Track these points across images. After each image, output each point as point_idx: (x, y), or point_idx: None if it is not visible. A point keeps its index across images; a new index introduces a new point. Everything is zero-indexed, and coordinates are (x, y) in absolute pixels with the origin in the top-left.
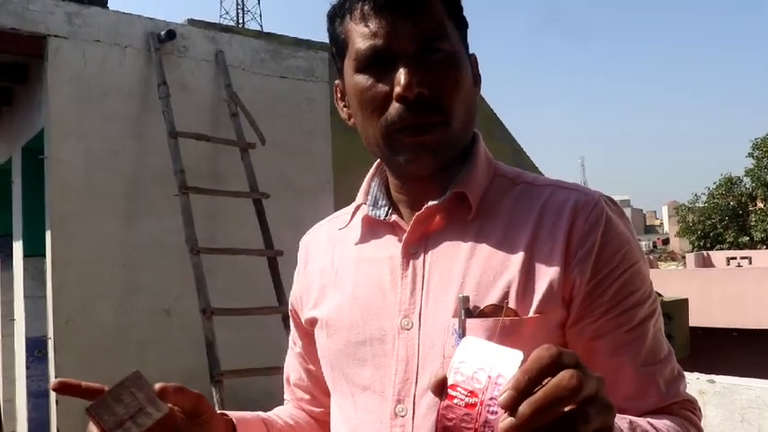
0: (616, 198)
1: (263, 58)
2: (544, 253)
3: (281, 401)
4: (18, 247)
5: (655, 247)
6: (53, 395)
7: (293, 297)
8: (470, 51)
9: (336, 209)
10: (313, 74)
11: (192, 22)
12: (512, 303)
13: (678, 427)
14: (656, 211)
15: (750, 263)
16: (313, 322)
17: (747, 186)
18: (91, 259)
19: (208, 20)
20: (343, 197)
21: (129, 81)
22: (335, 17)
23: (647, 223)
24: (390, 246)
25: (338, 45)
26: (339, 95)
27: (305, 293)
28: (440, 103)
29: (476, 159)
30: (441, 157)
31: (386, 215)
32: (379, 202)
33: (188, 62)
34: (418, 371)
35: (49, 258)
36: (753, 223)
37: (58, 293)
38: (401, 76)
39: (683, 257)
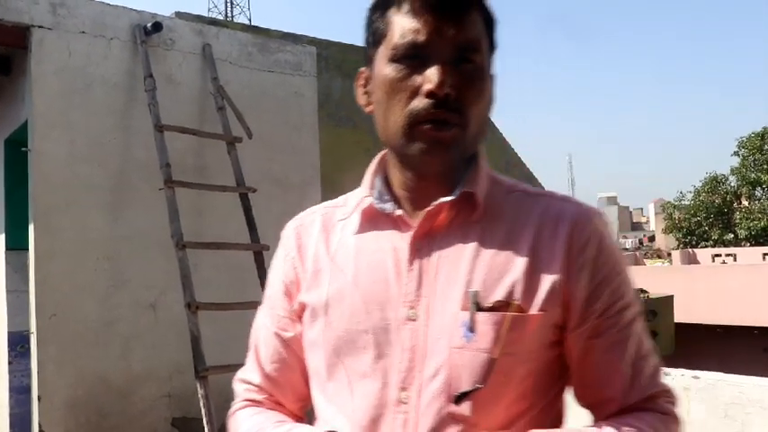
0: (603, 195)
1: (250, 51)
2: (545, 257)
3: None
4: (0, 241)
5: (641, 244)
6: (35, 391)
7: (286, 279)
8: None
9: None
10: (301, 68)
11: (179, 14)
12: (517, 301)
13: (660, 424)
14: (642, 209)
15: (735, 260)
16: (303, 307)
17: (733, 185)
18: (75, 253)
19: (196, 13)
20: (330, 192)
21: (115, 73)
22: (378, 8)
23: (634, 220)
24: (393, 238)
25: (375, 34)
26: (363, 82)
27: (301, 276)
28: (461, 107)
29: (479, 165)
30: (452, 155)
31: (392, 209)
32: (384, 197)
33: (175, 55)
34: (424, 360)
35: (32, 252)
36: (738, 221)
37: (42, 287)
38: (435, 74)
39: (669, 254)
